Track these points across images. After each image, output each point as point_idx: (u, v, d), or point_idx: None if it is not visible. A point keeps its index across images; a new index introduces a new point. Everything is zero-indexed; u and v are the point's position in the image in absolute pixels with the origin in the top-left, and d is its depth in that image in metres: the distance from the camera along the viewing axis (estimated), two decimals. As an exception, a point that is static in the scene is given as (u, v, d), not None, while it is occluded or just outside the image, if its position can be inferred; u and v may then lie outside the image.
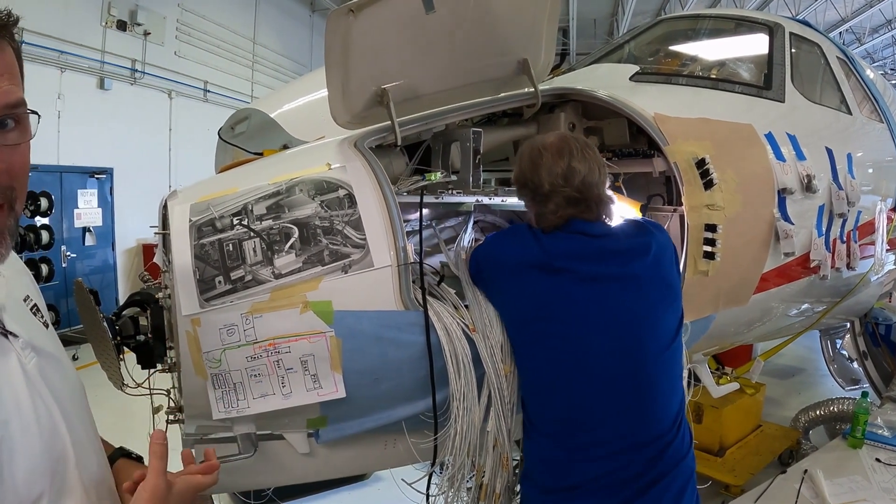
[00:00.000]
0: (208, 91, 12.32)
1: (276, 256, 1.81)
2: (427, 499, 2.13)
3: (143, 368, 2.14)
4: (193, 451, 2.06)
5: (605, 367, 1.89)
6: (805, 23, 4.02)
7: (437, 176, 2.09)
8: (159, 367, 2.16)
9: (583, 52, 19.38)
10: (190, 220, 1.87)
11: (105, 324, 2.00)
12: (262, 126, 3.20)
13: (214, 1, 12.64)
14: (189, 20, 11.90)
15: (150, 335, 2.04)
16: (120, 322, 2.06)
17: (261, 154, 2.82)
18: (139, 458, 1.45)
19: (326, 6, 15.82)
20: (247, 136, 3.34)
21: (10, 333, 1.09)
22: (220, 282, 1.79)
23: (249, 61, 13.89)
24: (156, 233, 2.08)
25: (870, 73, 4.59)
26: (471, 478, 2.06)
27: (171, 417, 2.18)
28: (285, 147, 2.93)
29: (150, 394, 2.19)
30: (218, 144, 3.46)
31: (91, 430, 1.27)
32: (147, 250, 10.28)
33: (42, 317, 1.27)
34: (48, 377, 1.13)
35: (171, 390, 2.31)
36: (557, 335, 1.91)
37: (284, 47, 15.28)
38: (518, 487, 2.13)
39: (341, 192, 1.89)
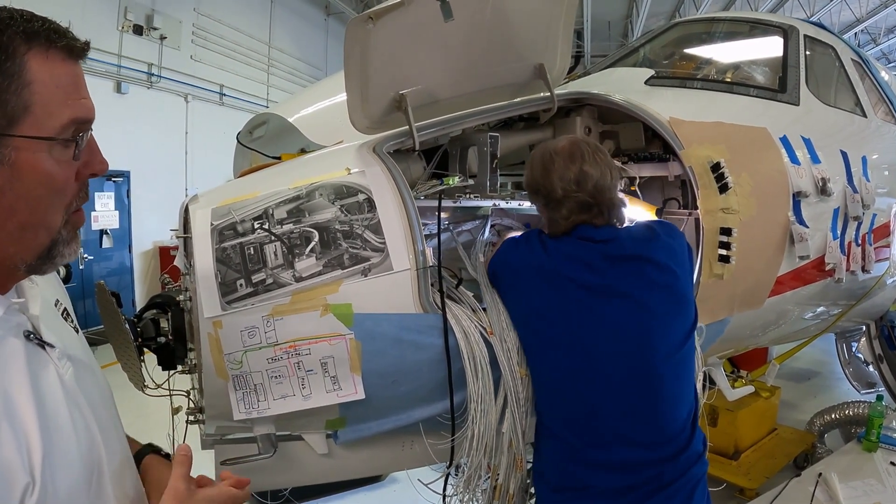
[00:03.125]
0: (224, 94, 12.40)
1: (296, 260, 1.84)
2: (444, 499, 2.16)
3: (163, 370, 2.18)
4: (214, 450, 2.13)
5: (611, 372, 1.90)
6: (819, 25, 4.02)
7: (455, 180, 2.12)
8: (179, 368, 2.20)
9: (597, 55, 19.40)
10: (211, 224, 1.90)
11: (127, 326, 2.04)
12: (279, 130, 3.23)
13: (230, 5, 12.73)
14: (205, 24, 11.99)
15: (171, 337, 2.08)
16: (141, 324, 2.10)
17: (279, 158, 2.85)
18: (167, 456, 1.45)
19: (341, 9, 15.90)
20: (265, 141, 3.38)
21: (47, 344, 1.08)
22: (241, 284, 1.82)
23: (265, 65, 13.97)
24: (177, 236, 2.12)
25: (885, 75, 4.58)
26: (486, 479, 2.08)
27: (191, 418, 2.22)
28: (303, 151, 2.97)
29: (171, 395, 2.23)
30: (236, 148, 3.50)
31: (122, 437, 1.27)
32: (164, 253, 10.36)
33: (72, 321, 1.27)
34: (83, 386, 1.13)
35: (191, 391, 2.35)
36: (562, 340, 1.93)
37: (300, 51, 15.36)
38: (532, 489, 2.15)
39: (361, 197, 1.92)
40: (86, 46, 1.03)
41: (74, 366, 1.13)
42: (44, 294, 1.15)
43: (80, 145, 1.01)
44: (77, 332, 1.27)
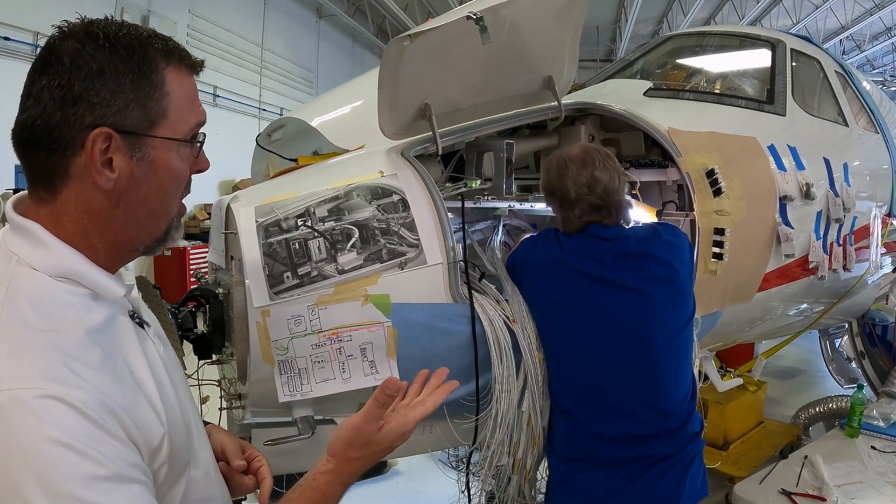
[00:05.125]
0: (218, 96, 12.47)
1: (339, 254, 2.03)
2: (467, 476, 2.35)
3: (199, 359, 2.35)
4: (252, 434, 2.28)
5: (615, 354, 2.12)
6: (805, 38, 4.26)
7: (476, 183, 2.32)
8: (215, 357, 2.37)
9: (585, 59, 19.61)
10: (256, 221, 2.08)
11: (171, 317, 2.21)
12: (295, 134, 3.39)
13: (224, 7, 12.80)
14: (199, 26, 12.06)
15: (210, 328, 2.25)
16: (181, 315, 2.27)
17: (295, 160, 3.02)
18: None
19: (332, 12, 16.01)
20: (281, 144, 3.53)
21: (146, 323, 1.18)
22: (287, 277, 2.00)
23: (258, 66, 14.06)
24: (222, 232, 2.29)
25: (866, 85, 4.80)
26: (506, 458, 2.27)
27: (226, 405, 2.39)
28: (315, 153, 3.13)
29: (199, 384, 2.39)
30: (255, 150, 3.65)
31: (196, 409, 1.37)
32: (157, 253, 10.41)
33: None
34: (172, 362, 1.25)
35: (223, 380, 2.52)
36: (573, 326, 2.15)
37: (292, 53, 15.45)
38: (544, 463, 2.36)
39: (395, 197, 2.12)
40: (202, 65, 1.17)
41: (163, 344, 1.25)
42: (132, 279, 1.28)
43: (201, 146, 1.17)
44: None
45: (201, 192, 11.29)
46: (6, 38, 8.16)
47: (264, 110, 13.84)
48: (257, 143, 3.61)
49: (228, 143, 11.08)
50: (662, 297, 2.15)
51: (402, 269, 2.04)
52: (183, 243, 10.61)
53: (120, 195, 1.06)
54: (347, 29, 17.64)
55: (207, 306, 2.29)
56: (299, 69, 15.75)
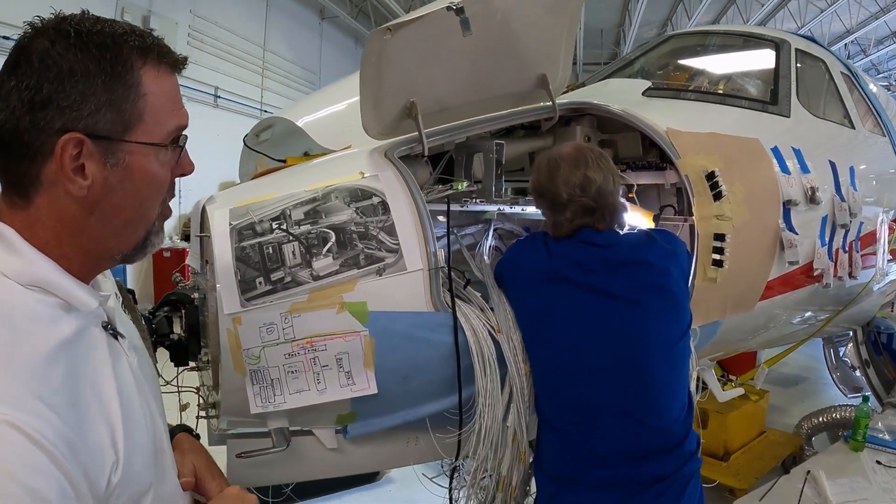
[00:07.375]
0: (219, 97, 12.43)
1: (314, 259, 1.92)
2: (450, 492, 2.24)
3: (176, 366, 2.25)
4: (227, 445, 2.19)
5: (604, 368, 2.00)
6: (810, 38, 4.15)
7: (463, 185, 2.21)
8: (192, 364, 2.28)
9: (590, 62, 19.60)
10: (230, 224, 1.97)
11: (143, 322, 2.11)
12: (284, 134, 3.31)
13: (225, 7, 12.77)
14: (200, 26, 12.03)
15: (185, 334, 2.16)
16: (155, 321, 2.17)
17: (284, 161, 2.93)
18: (198, 437, 1.54)
19: (335, 14, 15.98)
20: (270, 144, 3.45)
21: (120, 335, 1.14)
22: (260, 282, 1.90)
23: (259, 68, 14.01)
24: (195, 235, 2.19)
25: (873, 88, 4.71)
26: (491, 473, 2.17)
27: (202, 414, 2.29)
28: (306, 154, 3.04)
29: (179, 391, 2.30)
30: (243, 151, 3.56)
31: (165, 420, 1.34)
32: (156, 254, 10.39)
33: (122, 305, 1.33)
34: (144, 373, 1.21)
35: (201, 388, 2.42)
36: (560, 336, 2.03)
37: (294, 54, 15.41)
38: (532, 481, 2.25)
39: (375, 200, 2.01)
40: (185, 62, 1.11)
41: (137, 355, 1.21)
42: (110, 287, 1.22)
43: (182, 148, 1.12)
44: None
45: (202, 193, 11.20)
46: (5, 38, 8.10)
47: (266, 111, 13.77)
48: (245, 144, 3.52)
49: (229, 145, 11.03)
50: (656, 308, 2.03)
51: (381, 275, 1.94)
52: (182, 244, 10.57)
53: (94, 203, 1.02)
54: (350, 30, 17.60)
55: (183, 311, 2.21)
56: (302, 70, 15.71)
